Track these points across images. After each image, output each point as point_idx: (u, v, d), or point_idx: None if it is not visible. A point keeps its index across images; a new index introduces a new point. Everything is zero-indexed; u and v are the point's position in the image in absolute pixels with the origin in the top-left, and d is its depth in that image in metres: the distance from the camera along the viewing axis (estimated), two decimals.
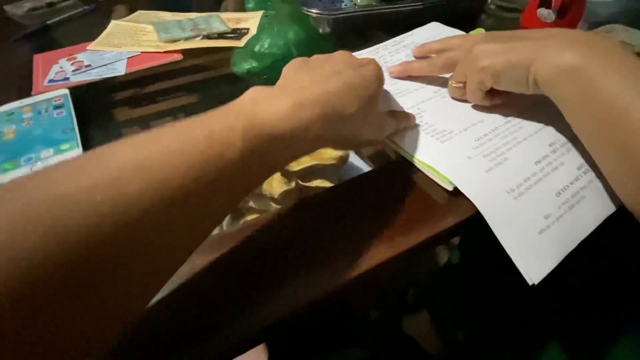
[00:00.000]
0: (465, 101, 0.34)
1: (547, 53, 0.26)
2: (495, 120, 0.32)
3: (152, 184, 0.16)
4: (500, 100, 0.32)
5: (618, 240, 0.38)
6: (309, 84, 0.24)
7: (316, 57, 0.27)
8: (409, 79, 0.38)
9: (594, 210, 0.26)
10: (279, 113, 0.21)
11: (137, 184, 0.16)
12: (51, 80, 0.41)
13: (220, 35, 0.49)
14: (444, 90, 0.36)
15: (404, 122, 0.32)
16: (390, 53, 0.42)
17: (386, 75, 0.39)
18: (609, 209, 0.27)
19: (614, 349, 0.38)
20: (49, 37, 0.54)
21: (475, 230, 0.29)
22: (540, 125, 0.31)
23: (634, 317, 0.39)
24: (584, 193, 0.27)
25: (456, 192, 0.27)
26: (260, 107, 0.21)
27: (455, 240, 0.63)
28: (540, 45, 0.27)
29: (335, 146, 0.29)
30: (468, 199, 0.26)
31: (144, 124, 0.37)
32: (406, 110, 0.34)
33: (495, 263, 0.48)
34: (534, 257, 0.24)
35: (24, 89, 0.40)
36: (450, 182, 0.27)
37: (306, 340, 0.49)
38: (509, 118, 0.32)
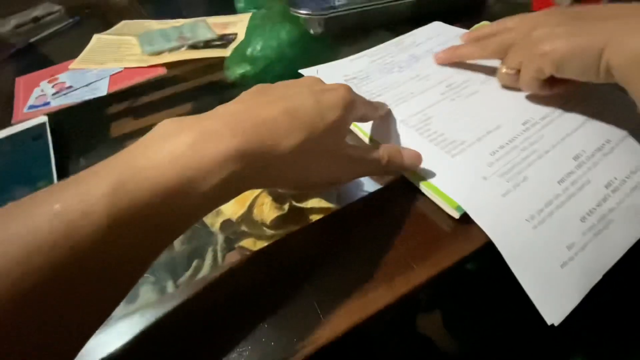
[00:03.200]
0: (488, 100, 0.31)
1: (625, 35, 0.22)
2: (513, 126, 0.28)
3: None
4: (560, 90, 0.28)
5: None
6: (237, 111, 0.19)
7: (280, 82, 0.23)
8: (400, 86, 0.34)
9: (623, 235, 0.23)
10: (169, 156, 0.16)
11: None
12: (31, 107, 0.39)
13: (206, 44, 0.46)
14: (452, 92, 0.32)
15: (395, 165, 0.25)
16: (391, 54, 0.38)
17: (384, 80, 0.36)
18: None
19: (636, 352, 0.36)
20: (33, 55, 0.52)
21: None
22: (565, 132, 0.27)
23: None
24: (612, 216, 0.23)
25: (464, 219, 0.23)
26: (148, 152, 0.16)
27: None
28: (617, 26, 0.22)
29: (277, 188, 0.23)
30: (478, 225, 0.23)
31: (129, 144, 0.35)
32: (411, 122, 0.30)
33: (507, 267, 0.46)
34: (555, 295, 0.21)
35: (6, 117, 0.39)
36: (459, 208, 0.24)
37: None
38: (528, 123, 0.28)
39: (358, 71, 0.37)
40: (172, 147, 0.16)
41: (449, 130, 0.28)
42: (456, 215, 0.24)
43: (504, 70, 0.30)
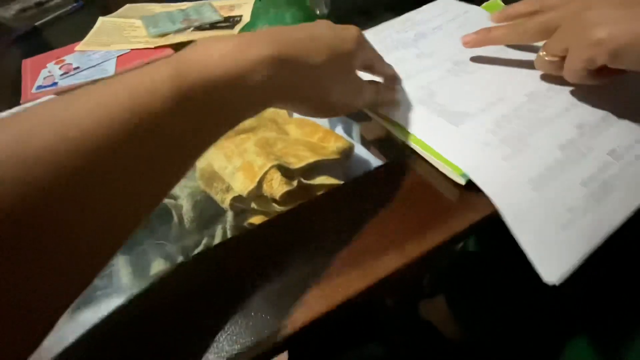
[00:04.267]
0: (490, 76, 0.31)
1: None
2: (517, 98, 0.28)
3: (66, 140, 0.14)
4: (608, 80, 0.25)
5: None
6: (269, 32, 0.21)
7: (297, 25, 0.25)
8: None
9: (624, 202, 0.23)
10: (218, 52, 0.18)
11: (45, 138, 0.14)
12: (40, 87, 0.39)
13: (213, 26, 0.46)
14: (458, 67, 0.32)
15: (385, 94, 0.29)
16: (398, 31, 0.38)
17: (388, 57, 0.36)
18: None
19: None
20: (38, 39, 0.52)
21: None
22: (569, 103, 0.28)
23: None
24: (613, 182, 0.24)
25: (470, 187, 0.24)
26: (197, 51, 0.18)
27: None
28: None
29: (303, 108, 0.25)
30: (484, 195, 0.23)
31: None
32: (416, 96, 0.30)
33: (512, 247, 0.46)
34: (554, 256, 0.21)
35: (14, 97, 0.39)
36: (464, 175, 0.24)
37: (325, 336, 0.49)
38: (533, 95, 0.29)
39: None
40: (219, 47, 0.18)
41: (452, 103, 0.29)
42: (462, 181, 0.24)
43: (545, 56, 0.27)
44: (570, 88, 0.29)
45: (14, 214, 0.13)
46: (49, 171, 0.14)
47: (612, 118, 0.27)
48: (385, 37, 0.38)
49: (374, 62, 0.29)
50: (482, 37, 0.31)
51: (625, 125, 0.26)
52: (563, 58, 0.25)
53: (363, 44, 0.25)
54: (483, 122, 0.27)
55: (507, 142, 0.26)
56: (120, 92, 0.16)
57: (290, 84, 0.21)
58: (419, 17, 0.40)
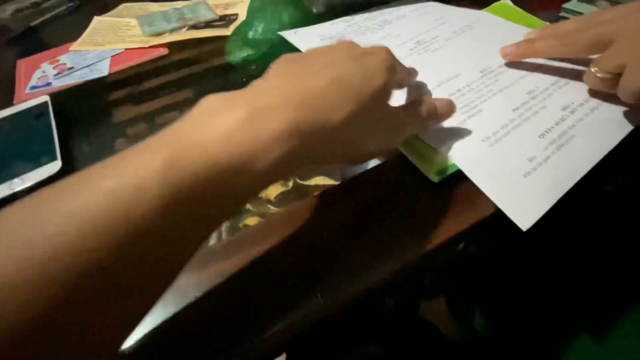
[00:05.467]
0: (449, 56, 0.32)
1: None
2: (471, 74, 0.31)
3: (36, 264, 0.12)
4: None
5: None
6: (283, 84, 0.18)
7: (312, 50, 0.21)
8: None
9: (588, 148, 0.24)
10: (223, 132, 0.15)
11: (15, 265, 0.12)
12: (33, 87, 0.39)
13: (208, 24, 0.46)
14: (421, 47, 0.35)
15: (432, 119, 0.24)
16: (366, 19, 0.40)
17: (357, 40, 0.37)
18: (607, 145, 0.24)
19: None
20: (33, 39, 0.52)
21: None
22: (520, 75, 0.30)
23: None
24: (573, 132, 0.25)
25: (459, 185, 0.24)
26: (199, 128, 0.15)
27: None
28: None
29: (335, 163, 0.22)
30: (484, 195, 0.23)
31: (133, 125, 0.35)
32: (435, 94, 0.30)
33: (512, 248, 0.46)
34: (523, 201, 0.22)
35: (7, 98, 0.39)
36: (439, 172, 0.25)
37: (325, 337, 0.48)
38: (485, 71, 0.31)
39: (335, 32, 0.39)
40: (224, 123, 0.15)
41: None
42: (435, 179, 0.25)
43: (597, 73, 0.24)
44: (519, 64, 0.31)
45: None
46: (16, 307, 0.12)
47: (562, 81, 0.29)
48: (354, 24, 0.40)
49: (404, 78, 0.25)
50: (524, 49, 0.28)
51: (576, 85, 0.28)
52: (617, 75, 0.23)
53: (394, 67, 0.22)
54: (438, 95, 0.29)
55: (461, 110, 0.27)
56: (96, 193, 0.13)
57: (314, 150, 0.17)
58: (386, 10, 0.42)
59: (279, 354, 0.20)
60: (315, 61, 0.20)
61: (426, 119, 0.24)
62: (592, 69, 0.25)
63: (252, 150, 0.15)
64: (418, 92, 0.29)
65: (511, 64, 0.31)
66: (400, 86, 0.27)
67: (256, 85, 0.18)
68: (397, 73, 0.23)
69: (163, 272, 0.15)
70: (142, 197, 0.13)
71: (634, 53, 0.22)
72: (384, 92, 0.21)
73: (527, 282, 0.45)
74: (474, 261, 0.57)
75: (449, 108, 0.26)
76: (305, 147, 0.17)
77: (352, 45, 0.22)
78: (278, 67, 0.20)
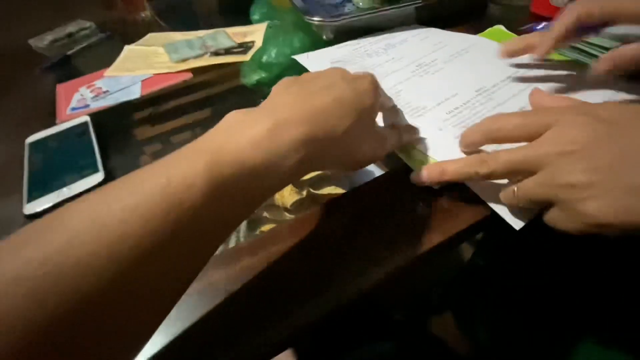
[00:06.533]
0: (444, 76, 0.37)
1: None
2: (467, 93, 0.34)
3: (106, 245, 0.15)
4: None
5: None
6: (292, 102, 0.21)
7: (306, 74, 0.25)
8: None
9: None
10: (251, 140, 0.18)
11: (88, 246, 0.14)
12: (73, 108, 0.43)
13: (227, 51, 0.50)
14: (422, 70, 0.38)
15: (406, 135, 0.30)
16: (371, 43, 0.44)
17: (363, 63, 0.41)
18: None
19: None
20: (69, 66, 0.57)
21: (495, 230, 0.29)
22: (511, 94, 0.34)
23: None
24: None
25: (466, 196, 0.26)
26: (230, 137, 0.19)
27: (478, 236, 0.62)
28: None
29: (332, 169, 0.27)
30: (481, 201, 0.26)
31: (163, 140, 0.39)
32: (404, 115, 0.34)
33: (519, 260, 0.47)
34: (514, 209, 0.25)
35: (50, 118, 0.43)
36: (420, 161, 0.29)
37: (334, 334, 0.49)
38: (480, 90, 0.34)
39: (342, 56, 0.43)
40: (252, 133, 0.19)
41: (414, 99, 0.35)
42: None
43: (517, 201, 0.23)
44: (513, 81, 0.35)
45: (52, 329, 0.13)
46: (90, 281, 0.14)
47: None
48: (360, 48, 0.44)
49: (385, 101, 0.29)
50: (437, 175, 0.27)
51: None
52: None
53: (378, 91, 0.26)
54: (437, 114, 0.33)
55: (457, 126, 0.31)
56: (154, 188, 0.16)
57: (321, 156, 0.21)
58: (389, 34, 0.46)
59: (297, 344, 0.23)
60: (313, 84, 0.23)
61: (402, 135, 0.29)
62: (515, 192, 0.23)
63: (276, 156, 0.19)
64: (394, 114, 0.32)
65: (504, 83, 0.35)
66: (382, 107, 0.30)
67: (270, 102, 0.22)
68: (380, 96, 0.27)
69: (203, 250, 0.19)
70: (192, 191, 0.17)
71: (562, 202, 0.21)
72: (373, 110, 0.25)
73: (535, 298, 0.45)
74: (481, 276, 0.58)
75: (415, 130, 0.31)
76: (315, 154, 0.21)
77: (343, 70, 0.25)
78: (281, 89, 0.24)
